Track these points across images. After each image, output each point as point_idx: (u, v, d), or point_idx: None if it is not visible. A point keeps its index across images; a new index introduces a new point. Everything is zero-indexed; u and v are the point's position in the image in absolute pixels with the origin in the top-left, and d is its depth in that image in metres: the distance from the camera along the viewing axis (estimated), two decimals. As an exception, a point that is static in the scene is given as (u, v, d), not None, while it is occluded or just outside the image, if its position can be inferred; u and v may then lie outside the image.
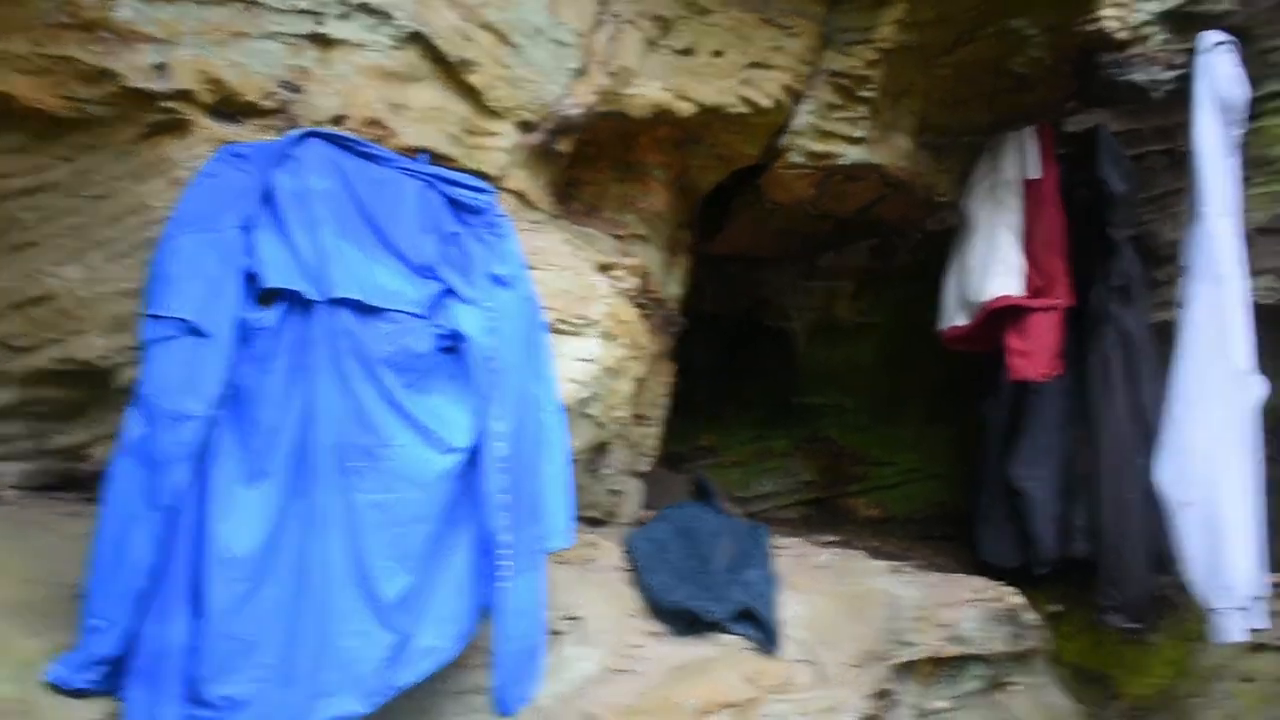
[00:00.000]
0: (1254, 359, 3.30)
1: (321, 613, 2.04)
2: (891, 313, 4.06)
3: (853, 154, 3.12)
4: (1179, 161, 3.52)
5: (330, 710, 2.03)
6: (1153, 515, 3.38)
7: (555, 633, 2.57)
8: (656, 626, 2.81)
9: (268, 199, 2.20)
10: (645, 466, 3.29)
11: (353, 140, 2.34)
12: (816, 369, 4.30)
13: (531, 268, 2.54)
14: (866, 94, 3.05)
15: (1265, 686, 3.50)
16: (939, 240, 3.78)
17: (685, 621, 2.81)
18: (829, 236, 3.79)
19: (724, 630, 2.82)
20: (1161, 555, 3.40)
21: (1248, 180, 3.56)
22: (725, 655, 2.75)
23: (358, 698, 2.06)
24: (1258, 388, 3.29)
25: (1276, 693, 3.49)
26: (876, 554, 3.57)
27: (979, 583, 3.39)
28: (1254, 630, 3.28)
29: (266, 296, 2.14)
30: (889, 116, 3.17)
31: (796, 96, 3.02)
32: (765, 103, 2.94)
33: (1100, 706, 3.63)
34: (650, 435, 3.29)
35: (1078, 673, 3.67)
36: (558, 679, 2.53)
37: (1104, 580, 3.51)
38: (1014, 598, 3.35)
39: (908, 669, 3.08)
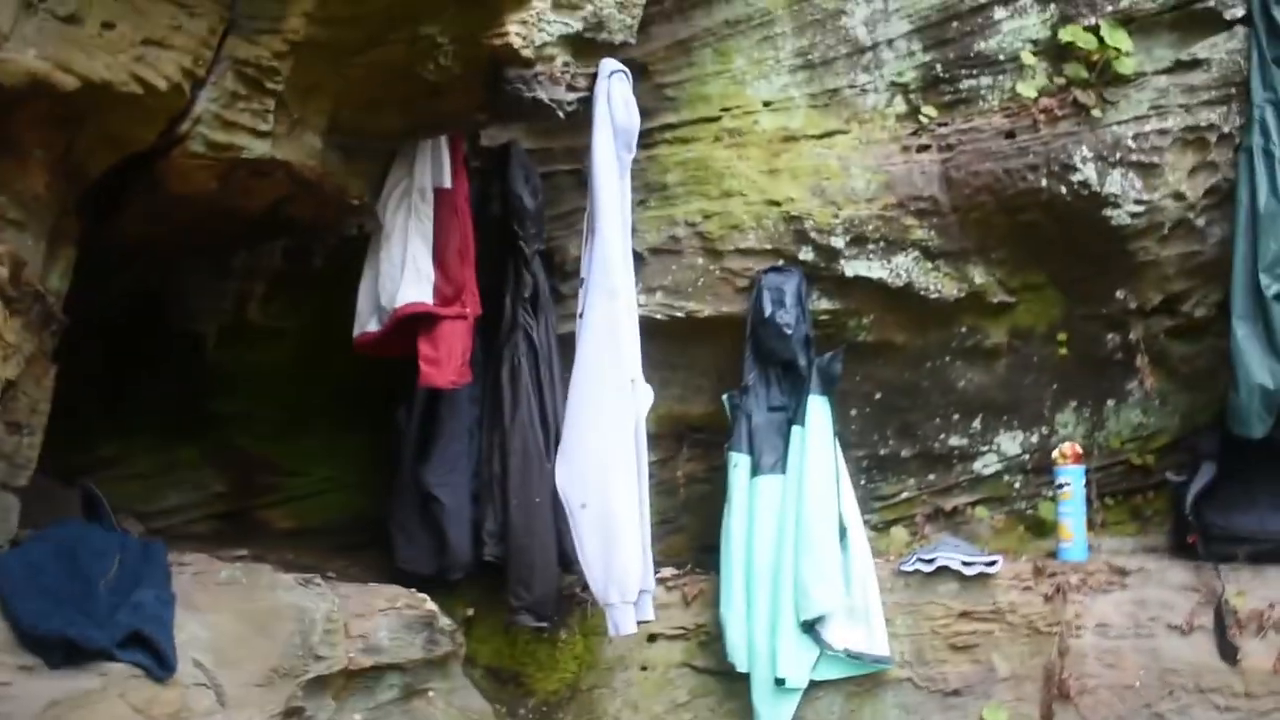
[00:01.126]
0: (643, 369, 3.68)
1: None
2: (307, 317, 4.04)
3: (258, 147, 3.06)
4: (583, 181, 3.85)
5: None
6: (558, 517, 3.65)
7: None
8: (28, 659, 2.58)
9: None
10: (21, 480, 3.01)
11: None
12: (228, 374, 4.17)
13: None
14: (274, 86, 3.01)
15: (660, 673, 3.91)
16: (356, 245, 3.83)
17: (63, 651, 2.61)
18: (239, 234, 3.70)
19: (110, 658, 2.66)
20: (566, 555, 3.69)
21: (642, 203, 3.99)
22: (110, 685, 2.60)
23: None
24: (645, 396, 3.67)
25: (671, 678, 3.92)
26: (289, 567, 3.54)
27: (393, 591, 3.48)
28: (643, 622, 3.64)
29: None
30: (299, 112, 3.15)
31: (198, 82, 2.92)
32: (161, 85, 2.80)
33: (515, 704, 3.87)
34: (26, 445, 3.02)
35: (492, 673, 3.89)
36: (-108, 729, 2.26)
37: (513, 581, 3.73)
38: (428, 604, 3.49)
39: (320, 683, 3.10)
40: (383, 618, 3.31)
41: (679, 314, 4.05)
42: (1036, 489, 4.30)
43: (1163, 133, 3.90)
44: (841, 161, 4.10)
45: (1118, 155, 3.89)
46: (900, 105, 4.18)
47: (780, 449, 3.93)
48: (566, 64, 3.76)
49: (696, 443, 4.24)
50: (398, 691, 3.35)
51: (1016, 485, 4.36)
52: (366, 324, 3.69)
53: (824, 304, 4.11)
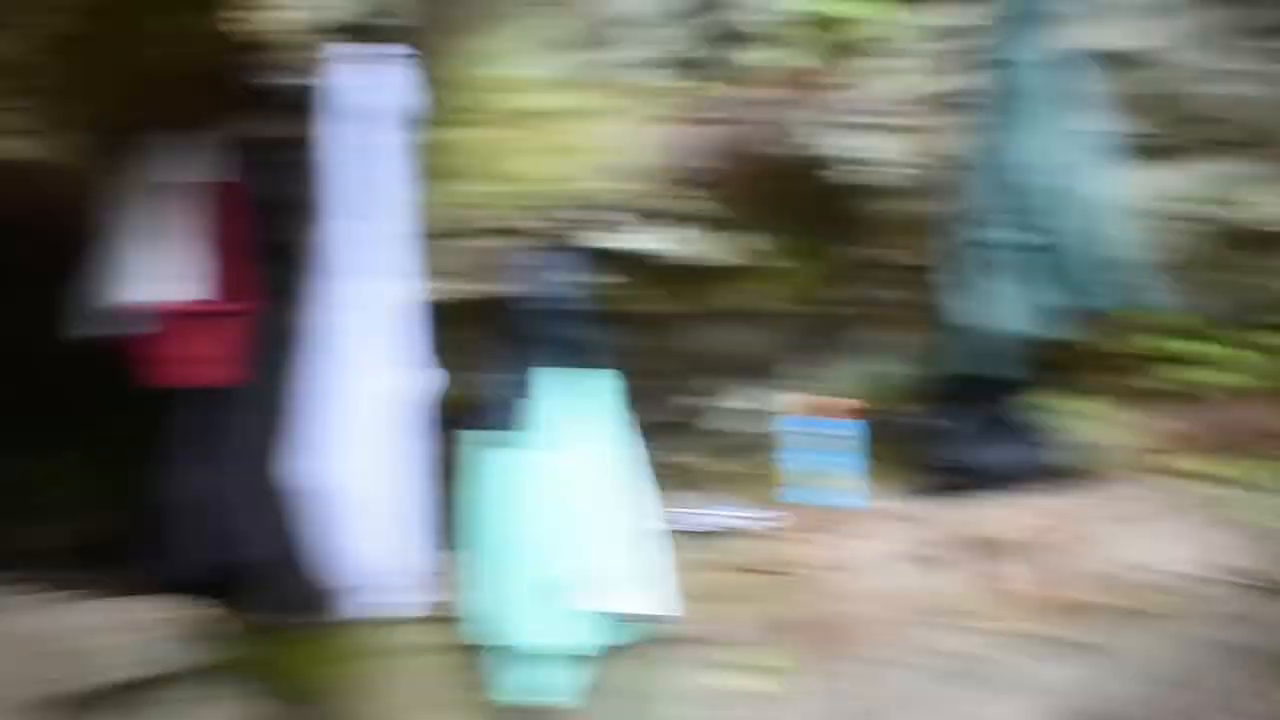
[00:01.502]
0: (427, 354, 3.73)
1: None
2: (18, 321, 3.77)
3: (12, 148, 2.90)
4: (341, 169, 3.74)
5: None
6: (310, 513, 3.60)
7: None
8: None
9: None
10: None
11: None
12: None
13: None
14: (26, 84, 2.85)
15: (434, 657, 3.85)
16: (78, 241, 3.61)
17: None
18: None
19: None
20: (319, 549, 3.62)
21: (420, 187, 3.90)
22: None
23: None
24: (416, 380, 3.66)
25: (445, 661, 3.85)
26: (47, 585, 3.37)
27: (156, 603, 3.39)
28: (400, 607, 3.67)
29: None
30: (51, 108, 2.99)
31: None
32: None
33: (290, 705, 3.75)
34: None
35: (263, 677, 3.76)
36: None
37: (266, 580, 3.64)
38: (193, 612, 3.41)
39: (85, 704, 2.99)
40: (147, 630, 3.26)
41: (454, 297, 4.02)
42: (795, 443, 4.46)
43: (898, 100, 4.18)
44: (615, 138, 4.17)
45: (858, 120, 4.13)
46: (669, 80, 4.32)
47: (545, 425, 3.95)
48: (333, 50, 3.64)
49: (463, 425, 4.23)
50: (169, 705, 3.28)
51: (770, 441, 4.49)
52: (118, 326, 3.53)
53: (599, 279, 4.15)
